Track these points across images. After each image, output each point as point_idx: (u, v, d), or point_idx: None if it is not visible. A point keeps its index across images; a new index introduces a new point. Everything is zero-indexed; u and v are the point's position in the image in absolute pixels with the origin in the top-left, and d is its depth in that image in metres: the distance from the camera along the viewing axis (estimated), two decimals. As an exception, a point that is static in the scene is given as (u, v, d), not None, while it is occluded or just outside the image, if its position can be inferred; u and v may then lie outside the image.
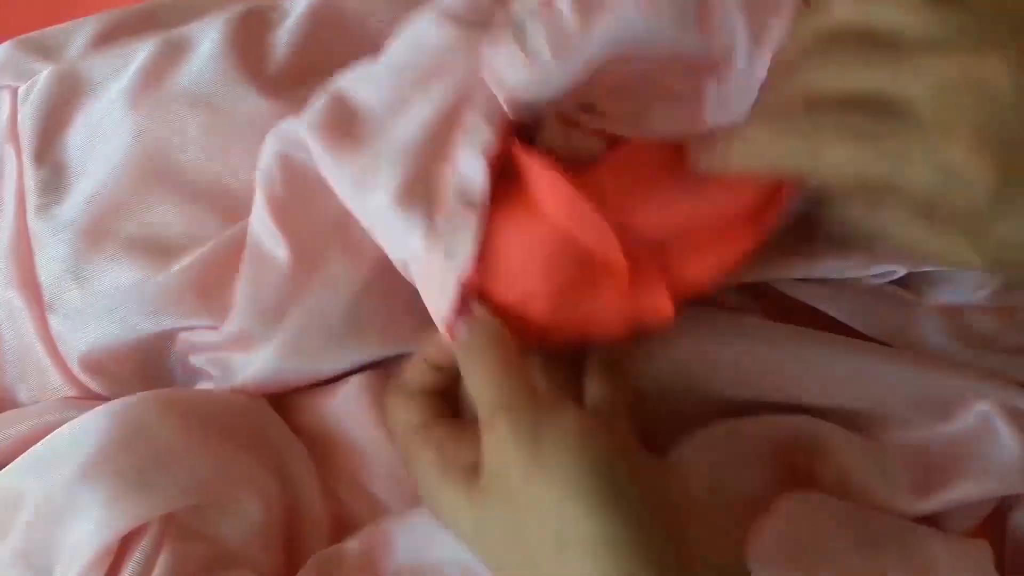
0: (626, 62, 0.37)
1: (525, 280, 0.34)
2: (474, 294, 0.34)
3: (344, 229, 0.37)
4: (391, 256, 0.37)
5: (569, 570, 0.29)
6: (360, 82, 0.36)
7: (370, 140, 0.35)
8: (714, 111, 0.36)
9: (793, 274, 0.40)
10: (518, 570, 0.31)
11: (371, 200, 0.34)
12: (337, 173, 0.35)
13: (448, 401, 0.36)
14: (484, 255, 0.33)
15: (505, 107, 0.35)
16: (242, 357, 0.38)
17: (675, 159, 0.35)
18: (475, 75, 0.35)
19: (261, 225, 0.37)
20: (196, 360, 0.39)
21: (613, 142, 0.36)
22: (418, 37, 0.37)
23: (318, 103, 0.36)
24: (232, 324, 0.38)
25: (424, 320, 0.37)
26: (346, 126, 0.35)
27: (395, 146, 0.34)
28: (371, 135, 0.35)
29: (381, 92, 0.36)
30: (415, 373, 0.36)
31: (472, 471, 0.32)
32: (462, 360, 0.33)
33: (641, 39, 0.35)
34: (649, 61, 0.37)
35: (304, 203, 0.37)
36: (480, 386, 0.32)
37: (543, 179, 0.33)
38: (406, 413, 0.35)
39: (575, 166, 0.36)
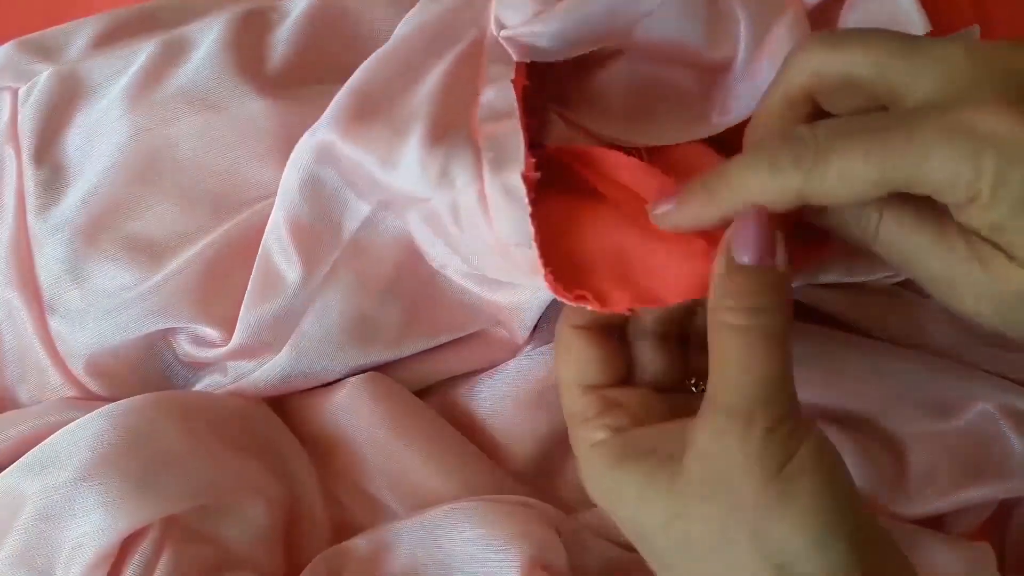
0: (632, 61, 0.37)
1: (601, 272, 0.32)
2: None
3: (363, 251, 0.37)
4: (428, 245, 0.36)
5: None
6: (368, 70, 0.36)
7: (389, 111, 0.34)
8: (719, 114, 0.36)
9: (798, 280, 0.40)
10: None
11: (403, 164, 0.33)
12: (365, 156, 0.34)
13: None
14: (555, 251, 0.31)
15: (511, 50, 0.35)
16: (248, 363, 0.39)
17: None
18: (483, 27, 0.36)
19: (277, 244, 0.37)
20: (205, 370, 0.40)
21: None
22: (418, 13, 0.37)
23: (334, 101, 0.35)
24: (238, 336, 0.38)
25: (437, 323, 0.38)
26: (365, 110, 0.34)
27: (415, 105, 0.34)
28: (390, 107, 0.34)
29: (391, 68, 0.35)
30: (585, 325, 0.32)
31: (655, 455, 0.29)
32: (724, 331, 0.27)
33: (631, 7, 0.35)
34: (654, 60, 0.37)
35: (325, 229, 0.37)
36: (741, 375, 0.27)
37: (614, 158, 0.33)
38: (575, 393, 0.32)
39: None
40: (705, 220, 0.29)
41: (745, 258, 0.28)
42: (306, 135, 0.36)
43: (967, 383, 0.41)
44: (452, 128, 0.34)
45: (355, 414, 0.39)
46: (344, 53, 0.40)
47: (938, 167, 0.25)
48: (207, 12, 0.41)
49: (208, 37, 0.39)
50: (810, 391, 0.40)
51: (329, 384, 0.40)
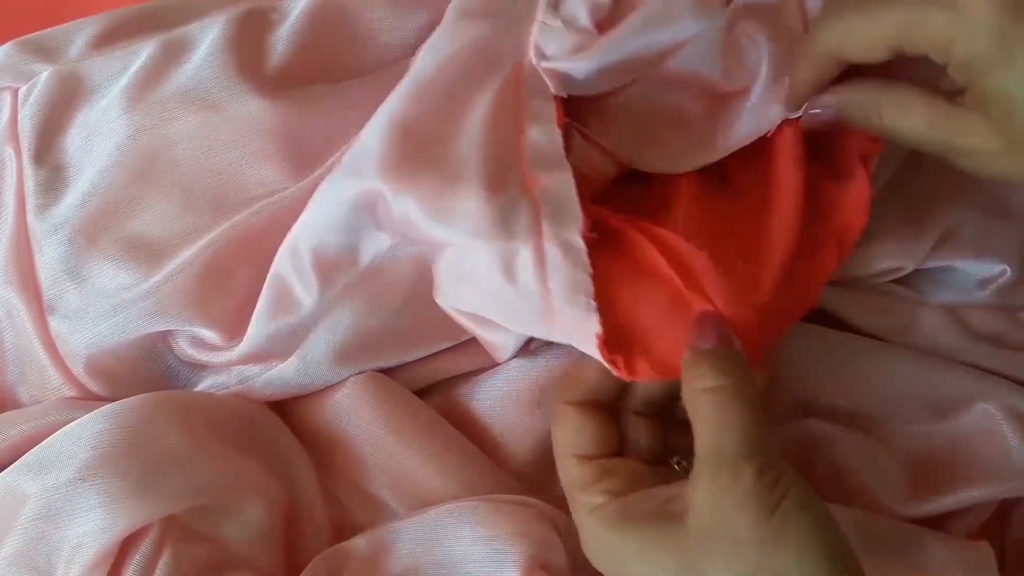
0: (644, 87, 0.38)
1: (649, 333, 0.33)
2: (728, 325, 0.32)
3: (378, 275, 0.37)
4: (449, 285, 0.37)
5: None
6: (410, 102, 0.36)
7: (439, 154, 0.34)
8: (724, 138, 0.37)
9: None
10: None
11: (459, 215, 0.34)
12: (415, 208, 0.34)
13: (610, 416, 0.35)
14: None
15: (550, 82, 0.36)
16: (253, 367, 0.39)
17: None
18: (521, 59, 0.36)
19: (295, 271, 0.37)
20: (206, 371, 0.40)
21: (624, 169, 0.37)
22: (453, 36, 0.37)
23: (374, 138, 0.35)
24: (245, 345, 0.38)
25: (443, 332, 0.38)
26: (412, 152, 0.35)
27: (465, 148, 0.34)
28: (438, 150, 0.35)
29: (434, 100, 0.35)
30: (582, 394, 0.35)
31: (656, 516, 0.31)
32: (700, 395, 0.31)
33: (666, 44, 0.36)
34: (666, 87, 0.38)
35: (345, 257, 0.37)
36: (721, 431, 0.30)
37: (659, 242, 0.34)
38: (573, 463, 0.34)
39: (594, 185, 0.37)
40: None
41: (708, 344, 0.32)
42: (346, 174, 0.36)
43: (967, 383, 0.41)
44: (504, 176, 0.34)
45: (355, 414, 0.39)
46: (344, 53, 0.40)
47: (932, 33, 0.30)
48: (207, 12, 0.41)
49: (208, 37, 0.39)
50: (812, 390, 0.40)
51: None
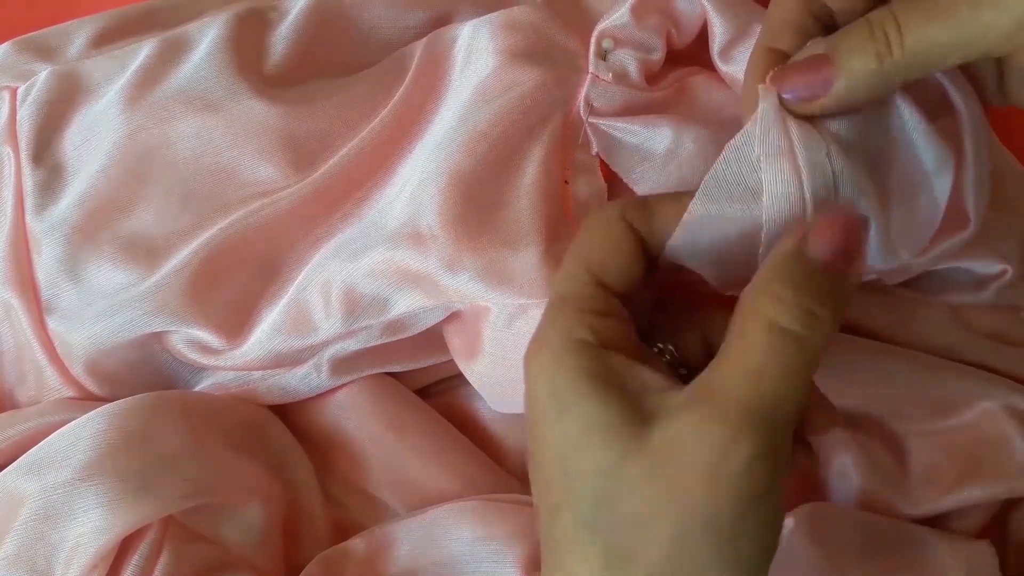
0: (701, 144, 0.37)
1: None
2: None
3: (401, 323, 0.37)
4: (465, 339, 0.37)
5: None
6: (464, 157, 0.35)
7: (499, 224, 0.35)
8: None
9: None
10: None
11: (517, 277, 0.34)
12: (476, 283, 0.34)
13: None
14: None
15: (594, 139, 0.36)
16: (257, 373, 0.39)
17: None
18: (568, 110, 0.37)
19: (321, 301, 0.37)
20: (207, 372, 0.40)
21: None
22: (503, 91, 0.36)
23: (432, 191, 0.35)
24: (252, 353, 0.38)
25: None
26: (476, 219, 0.35)
27: (522, 212, 0.35)
28: (499, 218, 0.35)
29: (489, 158, 0.35)
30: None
31: (627, 399, 0.26)
32: (768, 321, 0.24)
33: None
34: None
35: (375, 304, 0.37)
36: (757, 375, 0.24)
37: None
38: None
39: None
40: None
41: (821, 254, 0.25)
42: (404, 237, 0.36)
43: (970, 382, 0.41)
44: (557, 233, 0.35)
45: (355, 413, 0.39)
46: (343, 52, 0.40)
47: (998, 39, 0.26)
48: (206, 11, 0.41)
49: (207, 36, 0.39)
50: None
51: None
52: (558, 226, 0.35)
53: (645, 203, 0.29)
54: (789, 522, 0.37)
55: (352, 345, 0.38)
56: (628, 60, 0.37)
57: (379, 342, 0.38)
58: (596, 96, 0.37)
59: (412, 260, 0.35)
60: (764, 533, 0.25)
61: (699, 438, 0.24)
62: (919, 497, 0.39)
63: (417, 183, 0.36)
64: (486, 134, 0.36)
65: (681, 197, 0.29)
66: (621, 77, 0.37)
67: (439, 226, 0.35)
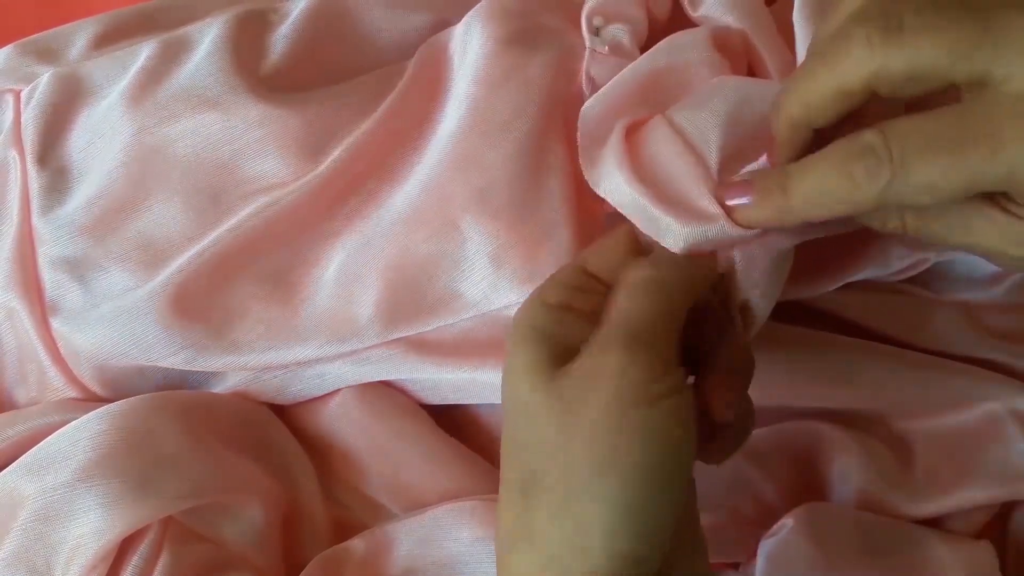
0: None
1: None
2: None
3: (438, 331, 0.38)
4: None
5: None
6: (484, 148, 0.37)
7: (529, 223, 0.36)
8: None
9: (816, 292, 0.40)
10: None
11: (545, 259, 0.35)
12: (514, 291, 0.36)
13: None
14: None
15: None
16: (261, 374, 0.39)
17: None
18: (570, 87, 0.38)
19: (353, 308, 0.38)
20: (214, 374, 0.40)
21: None
22: (504, 78, 0.37)
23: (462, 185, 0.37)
24: (259, 359, 0.38)
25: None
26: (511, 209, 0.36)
27: (554, 213, 0.36)
28: (528, 217, 0.36)
29: (521, 162, 0.37)
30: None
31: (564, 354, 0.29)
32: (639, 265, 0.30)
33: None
34: None
35: (421, 326, 0.38)
36: (638, 304, 0.29)
37: None
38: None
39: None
40: (782, 222, 0.29)
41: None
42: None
43: (974, 384, 0.40)
44: (583, 219, 0.36)
45: (353, 416, 0.39)
46: (344, 53, 0.40)
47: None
48: (207, 12, 0.41)
49: (208, 37, 0.39)
50: (817, 392, 0.40)
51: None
52: (585, 209, 0.36)
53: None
54: (789, 522, 0.37)
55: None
56: (620, 33, 0.38)
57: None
58: (596, 69, 0.38)
59: (450, 254, 0.36)
60: (645, 438, 0.27)
61: (588, 363, 0.28)
62: (921, 497, 0.39)
63: (438, 175, 0.37)
64: (508, 124, 0.37)
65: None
66: (616, 49, 0.38)
67: (477, 219, 0.36)
